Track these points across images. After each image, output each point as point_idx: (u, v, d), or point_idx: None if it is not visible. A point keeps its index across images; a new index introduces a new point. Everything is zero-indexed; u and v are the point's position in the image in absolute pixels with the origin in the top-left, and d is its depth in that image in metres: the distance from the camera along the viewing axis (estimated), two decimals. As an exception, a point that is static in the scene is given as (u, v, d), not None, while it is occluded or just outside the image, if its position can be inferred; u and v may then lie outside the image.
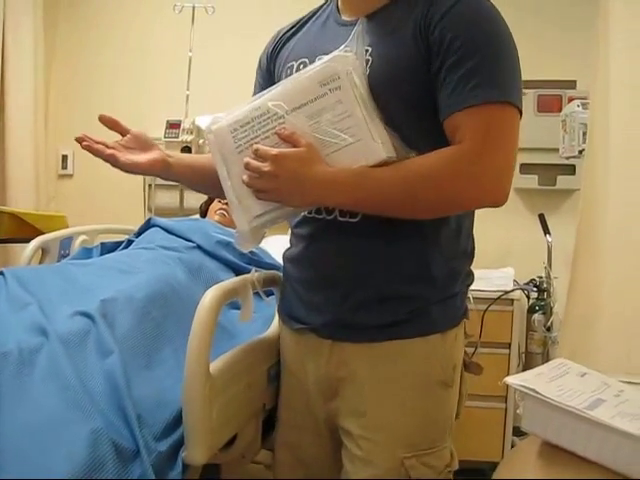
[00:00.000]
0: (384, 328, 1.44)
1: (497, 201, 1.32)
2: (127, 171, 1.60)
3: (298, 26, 1.64)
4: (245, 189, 1.38)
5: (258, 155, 1.34)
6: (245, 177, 1.36)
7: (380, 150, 1.31)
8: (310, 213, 1.49)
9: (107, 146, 1.61)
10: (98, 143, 1.61)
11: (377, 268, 1.44)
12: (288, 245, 1.63)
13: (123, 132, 1.64)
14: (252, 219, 1.41)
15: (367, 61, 1.39)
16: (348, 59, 1.34)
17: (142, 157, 1.60)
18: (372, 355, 1.46)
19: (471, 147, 1.29)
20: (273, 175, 1.32)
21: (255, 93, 1.64)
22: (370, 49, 1.40)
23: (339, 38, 1.42)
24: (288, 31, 1.66)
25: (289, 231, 1.62)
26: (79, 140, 1.62)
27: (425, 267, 1.44)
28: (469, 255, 1.55)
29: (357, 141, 1.31)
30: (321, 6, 1.64)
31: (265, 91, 1.41)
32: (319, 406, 1.55)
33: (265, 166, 1.32)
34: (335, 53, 1.36)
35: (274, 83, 1.46)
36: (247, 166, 1.35)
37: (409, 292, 1.44)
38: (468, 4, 1.37)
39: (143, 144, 1.63)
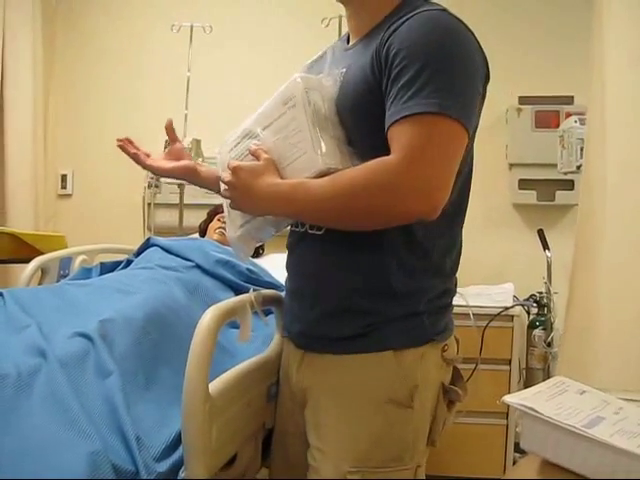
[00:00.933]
0: (341, 341, 1.46)
1: (425, 214, 1.30)
2: (153, 172, 1.89)
3: (320, 56, 1.68)
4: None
5: (228, 168, 1.47)
6: (222, 189, 1.51)
7: (318, 161, 1.37)
8: (292, 226, 1.58)
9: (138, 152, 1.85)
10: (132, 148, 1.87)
11: (338, 280, 1.46)
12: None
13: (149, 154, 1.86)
14: (237, 228, 1.58)
15: (339, 83, 1.46)
16: (307, 80, 1.44)
17: (168, 163, 1.83)
18: (330, 367, 1.49)
19: (397, 159, 1.28)
20: (232, 185, 1.46)
21: None
22: (344, 70, 1.47)
23: (341, 62, 1.50)
24: (312, 62, 1.70)
25: None
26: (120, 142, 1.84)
27: (384, 281, 1.43)
28: (445, 274, 1.51)
29: (303, 154, 1.40)
30: (343, 35, 1.68)
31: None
32: (298, 413, 1.57)
33: (227, 177, 1.47)
34: (296, 75, 1.46)
35: None
36: (220, 178, 1.52)
37: (366, 306, 1.44)
38: (418, 18, 1.36)
39: (177, 155, 1.84)
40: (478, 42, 1.40)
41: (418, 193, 1.28)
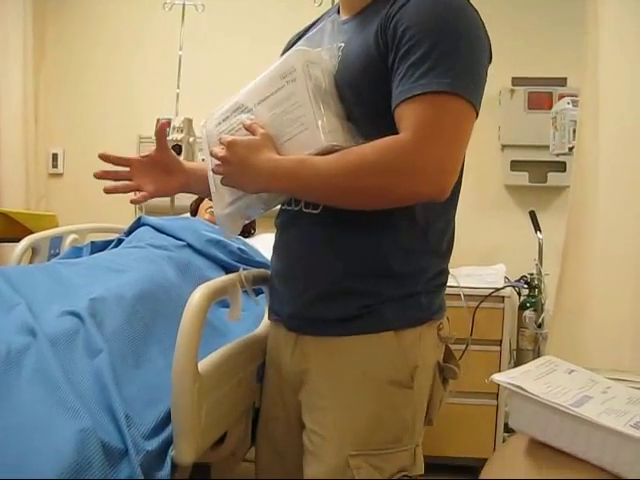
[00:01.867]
0: (338, 322, 1.44)
1: (434, 195, 1.29)
2: (157, 196, 1.70)
3: (306, 29, 1.67)
4: (219, 178, 1.48)
5: (221, 143, 1.42)
6: (213, 164, 1.46)
7: (321, 138, 1.33)
8: (284, 205, 1.54)
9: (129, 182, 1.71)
10: (118, 178, 1.72)
11: (334, 260, 1.44)
12: None
13: (130, 163, 1.69)
14: (225, 206, 1.51)
15: (338, 57, 1.43)
16: (307, 53, 1.40)
17: (160, 184, 1.68)
18: (327, 349, 1.46)
19: (408, 138, 1.26)
20: (226, 161, 1.41)
21: None
22: (342, 46, 1.44)
23: (334, 36, 1.46)
24: (298, 34, 1.70)
25: None
26: (98, 176, 1.71)
27: (382, 262, 1.42)
28: (441, 254, 1.51)
29: (305, 129, 1.36)
30: (328, 10, 1.67)
31: (246, 85, 1.49)
32: (290, 398, 1.55)
33: (221, 152, 1.41)
34: (295, 47, 1.43)
35: None
36: (211, 153, 1.45)
37: (363, 287, 1.42)
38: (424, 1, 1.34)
39: (165, 167, 1.68)
40: (483, 23, 1.39)
41: (429, 174, 1.27)
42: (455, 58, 1.28)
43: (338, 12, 1.58)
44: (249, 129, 1.42)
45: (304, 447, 1.49)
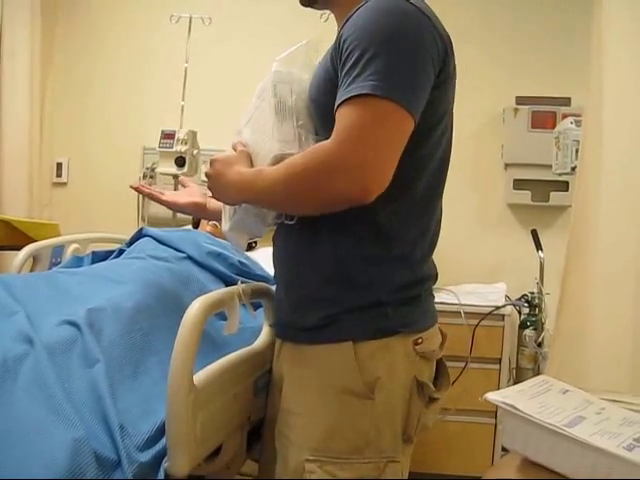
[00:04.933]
0: (308, 331, 1.49)
1: (357, 194, 1.28)
2: (167, 207, 2.06)
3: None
4: None
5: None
6: None
7: (275, 147, 1.44)
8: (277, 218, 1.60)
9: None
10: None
11: (302, 270, 1.50)
12: None
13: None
14: (227, 221, 1.65)
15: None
16: (279, 74, 1.50)
17: (182, 198, 2.03)
18: (297, 357, 1.54)
19: (330, 141, 1.30)
20: (208, 176, 1.57)
21: None
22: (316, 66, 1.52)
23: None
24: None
25: None
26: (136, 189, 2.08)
27: (342, 271, 1.44)
28: (412, 265, 1.48)
29: (267, 141, 1.47)
30: None
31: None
32: (278, 401, 1.59)
33: (206, 169, 1.58)
34: (272, 69, 1.52)
35: None
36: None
37: (328, 296, 1.46)
38: (366, 6, 1.37)
39: (191, 192, 2.06)
40: (433, 22, 1.38)
41: (349, 173, 1.27)
42: (383, 61, 1.29)
43: None
44: (233, 148, 1.59)
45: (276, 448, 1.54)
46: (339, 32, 1.41)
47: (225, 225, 1.66)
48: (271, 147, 1.46)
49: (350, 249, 1.43)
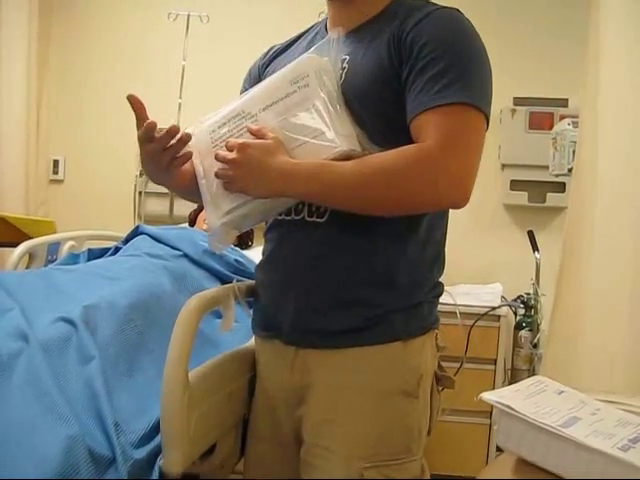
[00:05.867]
0: (344, 334, 1.43)
1: (454, 204, 1.34)
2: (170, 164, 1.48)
3: (289, 43, 1.69)
4: (217, 186, 1.44)
5: (227, 147, 1.40)
6: (216, 168, 1.41)
7: (339, 143, 1.34)
8: (281, 215, 1.51)
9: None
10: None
11: (338, 271, 1.44)
12: None
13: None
14: (222, 215, 1.45)
15: (343, 69, 1.44)
16: (319, 60, 1.42)
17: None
18: (332, 362, 1.45)
19: (433, 146, 1.29)
20: (238, 163, 1.37)
21: None
22: (347, 58, 1.46)
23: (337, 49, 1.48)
24: (280, 47, 1.70)
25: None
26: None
27: (387, 273, 1.43)
28: (437, 265, 1.53)
29: (320, 134, 1.35)
30: (313, 25, 1.68)
31: (243, 94, 1.51)
32: (284, 416, 1.53)
33: (231, 155, 1.38)
34: (306, 54, 1.44)
35: None
36: (217, 157, 1.41)
37: (369, 298, 1.43)
38: (441, 15, 1.41)
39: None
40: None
41: (451, 183, 1.30)
42: (471, 73, 1.35)
43: (325, 28, 1.60)
44: (257, 133, 1.39)
45: (305, 463, 1.48)
46: (403, 33, 1.39)
47: (217, 218, 1.46)
48: (330, 141, 1.34)
49: (393, 249, 1.43)
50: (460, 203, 1.33)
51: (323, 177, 1.34)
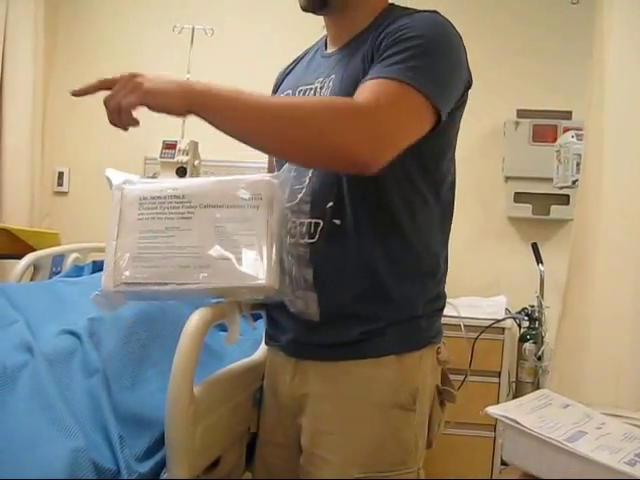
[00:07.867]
0: (338, 347, 1.45)
1: (362, 164, 1.28)
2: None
3: (295, 63, 1.71)
4: (127, 254, 1.41)
5: (105, 83, 1.46)
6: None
7: (263, 277, 1.35)
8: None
9: None
10: None
11: (330, 285, 1.45)
12: None
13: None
14: (120, 284, 1.43)
15: (328, 88, 1.47)
16: (273, 186, 1.40)
17: None
18: (328, 374, 1.48)
19: (357, 101, 1.29)
20: (132, 76, 1.40)
21: None
22: (333, 76, 1.48)
23: (320, 69, 1.53)
24: (287, 68, 1.73)
25: None
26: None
27: (379, 286, 1.43)
28: (437, 278, 1.53)
29: (245, 258, 1.36)
30: (317, 42, 1.69)
31: (188, 177, 1.52)
32: (289, 422, 1.56)
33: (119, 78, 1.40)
34: (261, 177, 1.43)
35: None
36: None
37: (362, 311, 1.44)
38: (416, 15, 1.43)
39: None
40: (463, 46, 1.44)
41: (367, 135, 1.26)
42: (431, 64, 1.34)
43: (325, 45, 1.62)
44: None
45: (303, 471, 1.50)
46: (376, 37, 1.41)
47: (111, 285, 1.44)
48: (252, 270, 1.37)
49: (384, 264, 1.43)
50: (366, 166, 1.28)
51: (241, 102, 1.32)
